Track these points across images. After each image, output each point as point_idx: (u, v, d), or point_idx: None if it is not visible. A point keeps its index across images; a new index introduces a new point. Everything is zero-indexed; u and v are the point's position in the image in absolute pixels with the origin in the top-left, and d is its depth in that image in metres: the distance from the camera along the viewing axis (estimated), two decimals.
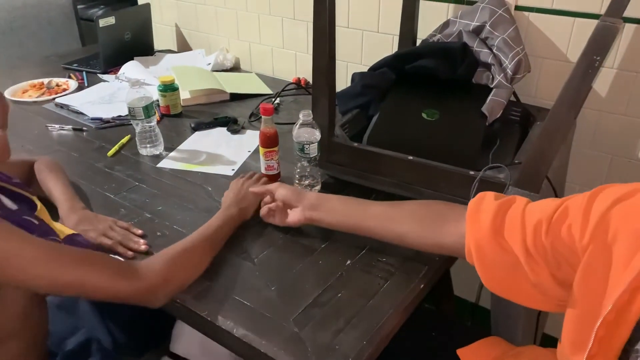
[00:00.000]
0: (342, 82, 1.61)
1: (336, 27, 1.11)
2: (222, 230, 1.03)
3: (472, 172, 1.06)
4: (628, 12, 1.16)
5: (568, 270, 0.74)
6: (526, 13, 1.37)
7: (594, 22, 1.01)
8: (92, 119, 1.61)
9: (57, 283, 0.81)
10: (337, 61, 1.16)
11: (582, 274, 0.70)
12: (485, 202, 0.85)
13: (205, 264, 0.97)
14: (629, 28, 1.25)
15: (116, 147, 1.43)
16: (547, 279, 0.78)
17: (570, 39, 1.33)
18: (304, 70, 1.90)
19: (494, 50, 1.30)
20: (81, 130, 1.56)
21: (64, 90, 1.83)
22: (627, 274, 0.63)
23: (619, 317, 0.64)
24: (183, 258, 0.93)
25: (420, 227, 0.94)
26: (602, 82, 1.32)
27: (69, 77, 1.93)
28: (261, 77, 1.95)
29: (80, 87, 1.86)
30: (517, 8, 1.37)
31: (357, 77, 1.41)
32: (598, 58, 0.89)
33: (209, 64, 1.99)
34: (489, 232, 0.82)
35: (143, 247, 1.03)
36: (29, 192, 0.97)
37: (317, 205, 1.03)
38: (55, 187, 1.13)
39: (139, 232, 1.09)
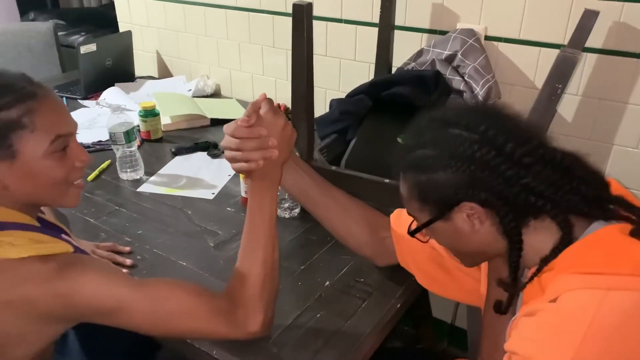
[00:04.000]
0: (321, 108, 1.65)
1: (314, 55, 1.16)
2: (263, 208, 0.85)
3: None
4: (590, 43, 1.23)
5: None
6: (495, 43, 1.43)
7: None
8: None
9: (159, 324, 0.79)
10: (315, 88, 1.20)
11: None
12: (404, 213, 0.94)
13: (276, 253, 0.87)
14: (591, 58, 1.31)
15: (96, 171, 1.44)
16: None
17: (537, 67, 1.39)
18: (284, 96, 1.94)
19: (466, 78, 1.36)
20: None
21: None
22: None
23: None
24: (266, 272, 0.84)
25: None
26: (568, 108, 1.38)
27: None
28: (241, 102, 1.99)
29: None
30: (487, 38, 1.44)
31: (335, 103, 1.45)
32: (560, 86, 0.95)
33: (190, 90, 2.01)
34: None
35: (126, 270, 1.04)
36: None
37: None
38: None
39: (127, 249, 1.11)
